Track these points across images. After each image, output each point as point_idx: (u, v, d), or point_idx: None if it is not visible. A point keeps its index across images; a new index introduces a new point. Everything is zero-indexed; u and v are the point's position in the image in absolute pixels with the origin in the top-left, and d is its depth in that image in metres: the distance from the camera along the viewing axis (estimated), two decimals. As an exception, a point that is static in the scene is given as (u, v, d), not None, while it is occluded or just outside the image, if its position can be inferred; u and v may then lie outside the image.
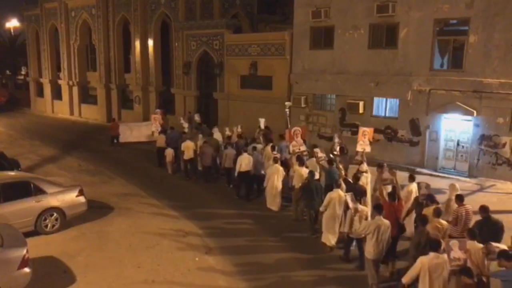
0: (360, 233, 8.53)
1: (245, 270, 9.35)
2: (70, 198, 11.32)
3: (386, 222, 8.12)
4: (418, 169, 15.83)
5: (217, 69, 22.48)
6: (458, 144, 15.79)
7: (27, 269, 8.02)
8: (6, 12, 46.46)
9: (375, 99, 17.71)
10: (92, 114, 30.52)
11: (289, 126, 15.23)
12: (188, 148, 15.82)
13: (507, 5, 14.25)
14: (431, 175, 15.27)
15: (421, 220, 8.03)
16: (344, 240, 9.74)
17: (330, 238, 9.95)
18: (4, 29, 48.69)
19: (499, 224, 7.94)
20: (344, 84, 18.17)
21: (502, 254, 6.39)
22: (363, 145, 13.36)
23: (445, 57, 16.24)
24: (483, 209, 8.09)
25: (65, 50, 32.07)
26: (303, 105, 19.37)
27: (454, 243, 7.04)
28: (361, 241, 8.98)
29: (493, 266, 6.66)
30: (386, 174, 10.75)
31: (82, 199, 11.57)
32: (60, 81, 33.60)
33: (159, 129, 18.97)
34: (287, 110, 15.91)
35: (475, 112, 14.98)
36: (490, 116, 14.86)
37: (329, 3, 18.20)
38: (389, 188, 10.20)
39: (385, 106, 17.65)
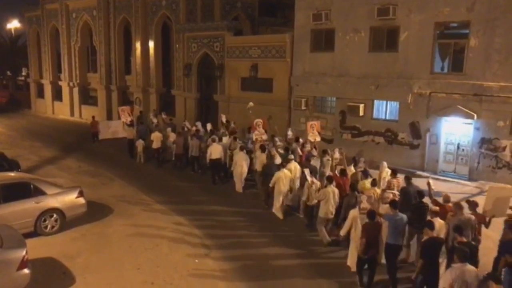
0: (318, 199, 10.69)
1: (244, 271, 9.37)
2: (69, 200, 11.32)
3: (336, 190, 10.56)
4: (418, 172, 15.82)
5: (217, 71, 22.50)
6: (458, 147, 15.79)
7: (26, 270, 8.01)
8: (7, 13, 46.68)
9: (376, 102, 17.73)
10: (92, 115, 30.48)
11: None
12: (157, 138, 17.90)
13: (508, 9, 14.27)
14: (431, 178, 15.23)
15: (352, 187, 10.44)
16: (305, 211, 11.83)
17: (278, 211, 12.31)
18: (5, 30, 48.82)
19: (417, 189, 10.18)
20: (344, 87, 18.18)
21: (391, 203, 8.79)
22: (313, 136, 15.38)
23: (445, 60, 16.25)
24: (407, 178, 10.68)
25: (66, 52, 32.12)
26: (303, 108, 19.38)
27: (363, 197, 9.39)
28: (315, 208, 11.06)
29: None
30: (337, 155, 13.17)
31: (81, 200, 11.57)
32: (60, 82, 33.62)
33: (129, 119, 20.06)
34: (250, 110, 16.78)
35: (475, 115, 14.99)
36: (490, 119, 14.87)
37: (330, 6, 18.23)
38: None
39: (385, 109, 17.66)
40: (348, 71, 18.09)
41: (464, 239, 7.42)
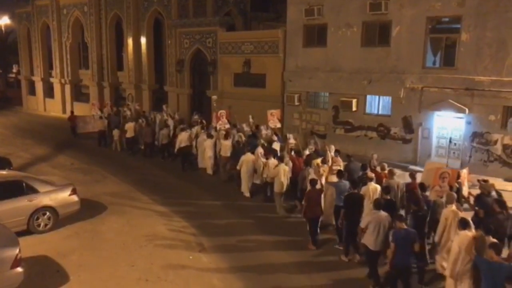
0: (271, 175, 12.47)
1: (239, 269, 9.40)
2: (62, 197, 11.28)
3: (287, 167, 12.35)
4: (411, 166, 15.89)
5: (210, 67, 22.44)
6: (450, 142, 15.89)
7: (19, 269, 7.98)
8: (-3, 9, 45.96)
9: (368, 97, 17.78)
10: (84, 112, 30.08)
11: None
12: (130, 128, 19.40)
13: (499, 3, 14.35)
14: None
15: (307, 163, 12.37)
16: (263, 185, 13.70)
17: (245, 189, 13.89)
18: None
19: (359, 164, 12.05)
20: (337, 82, 18.21)
21: (337, 173, 10.80)
22: (273, 123, 16.84)
23: (437, 55, 16.32)
24: (348, 157, 12.96)
25: (57, 48, 31.85)
26: (296, 103, 19.40)
27: (311, 170, 11.64)
28: (272, 185, 12.72)
29: None
30: (292, 140, 14.98)
31: (74, 198, 11.54)
32: (52, 79, 33.36)
33: (99, 113, 22.16)
34: (214, 103, 17.79)
35: (467, 109, 15.09)
36: (481, 113, 14.97)
37: (322, 1, 18.20)
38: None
39: (378, 104, 17.72)
40: (340, 66, 18.11)
41: (388, 197, 9.52)
